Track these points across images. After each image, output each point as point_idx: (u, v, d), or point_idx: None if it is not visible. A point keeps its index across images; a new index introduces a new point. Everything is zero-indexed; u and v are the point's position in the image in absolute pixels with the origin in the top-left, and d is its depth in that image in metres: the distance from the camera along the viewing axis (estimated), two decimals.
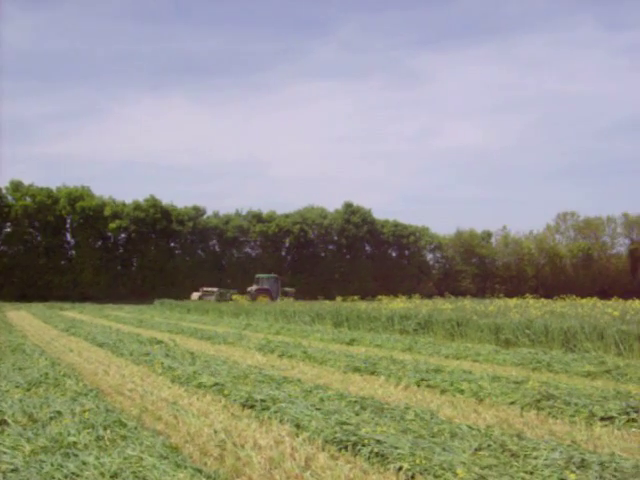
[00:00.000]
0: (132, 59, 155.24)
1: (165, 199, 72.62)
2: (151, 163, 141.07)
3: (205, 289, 54.42)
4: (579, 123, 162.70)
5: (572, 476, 5.64)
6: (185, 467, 6.00)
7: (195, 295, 52.76)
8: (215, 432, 7.67)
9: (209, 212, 75.36)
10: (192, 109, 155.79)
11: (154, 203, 70.21)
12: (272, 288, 53.72)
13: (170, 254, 71.08)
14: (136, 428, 7.58)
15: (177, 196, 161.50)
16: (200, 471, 5.95)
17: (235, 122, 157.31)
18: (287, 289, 55.67)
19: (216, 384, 10.86)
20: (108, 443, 6.93)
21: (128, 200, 70.74)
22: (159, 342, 18.53)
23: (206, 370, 12.48)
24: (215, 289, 53.70)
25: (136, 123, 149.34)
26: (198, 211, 73.56)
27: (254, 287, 53.33)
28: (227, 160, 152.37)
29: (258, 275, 57.30)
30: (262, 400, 9.27)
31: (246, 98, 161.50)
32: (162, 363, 13.61)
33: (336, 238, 79.25)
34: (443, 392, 10.58)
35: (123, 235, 70.26)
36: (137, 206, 69.33)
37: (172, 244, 72.68)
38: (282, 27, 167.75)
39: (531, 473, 5.87)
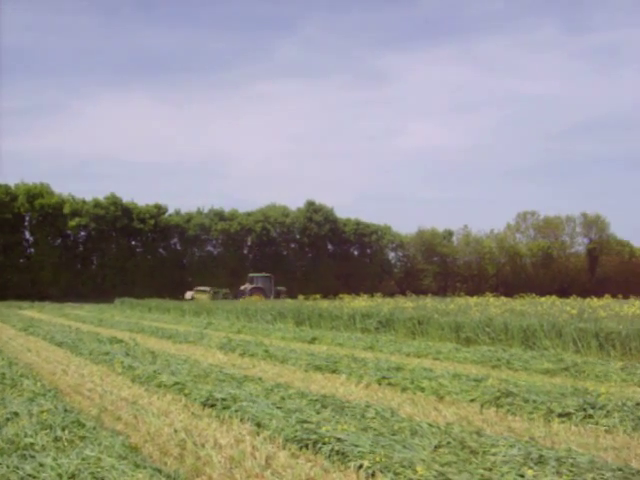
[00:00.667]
0: (93, 55, 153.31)
1: (126, 197, 72.00)
2: (112, 160, 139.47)
3: (198, 288, 54.37)
4: (539, 124, 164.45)
5: (530, 472, 5.71)
6: (145, 467, 5.96)
7: (189, 294, 52.61)
8: (175, 431, 7.63)
9: (171, 210, 74.86)
10: (154, 106, 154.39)
11: (115, 201, 69.49)
12: (265, 287, 54.08)
13: (131, 252, 70.47)
14: (95, 428, 7.50)
15: (138, 194, 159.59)
16: (160, 471, 5.91)
17: (197, 120, 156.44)
18: (279, 288, 55.92)
19: (177, 383, 10.79)
20: (66, 444, 6.84)
21: (88, 198, 70.02)
22: (119, 341, 18.37)
23: (167, 369, 12.40)
24: (208, 288, 53.61)
25: (97, 119, 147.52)
26: (159, 209, 72.94)
27: (247, 286, 53.54)
28: (189, 158, 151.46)
29: (251, 274, 57.52)
30: (223, 399, 9.24)
31: (208, 96, 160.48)
32: (122, 362, 13.49)
33: (298, 237, 79.24)
34: (404, 390, 10.63)
35: (83, 233, 69.46)
36: (97, 204, 68.55)
37: (133, 242, 72.05)
38: (245, 25, 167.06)
39: (490, 469, 5.92)
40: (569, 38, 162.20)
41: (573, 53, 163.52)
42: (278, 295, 51.32)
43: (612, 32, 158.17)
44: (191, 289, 55.78)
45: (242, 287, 53.76)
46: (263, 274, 57.54)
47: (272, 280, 55.90)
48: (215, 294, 50.94)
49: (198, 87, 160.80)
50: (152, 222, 70.64)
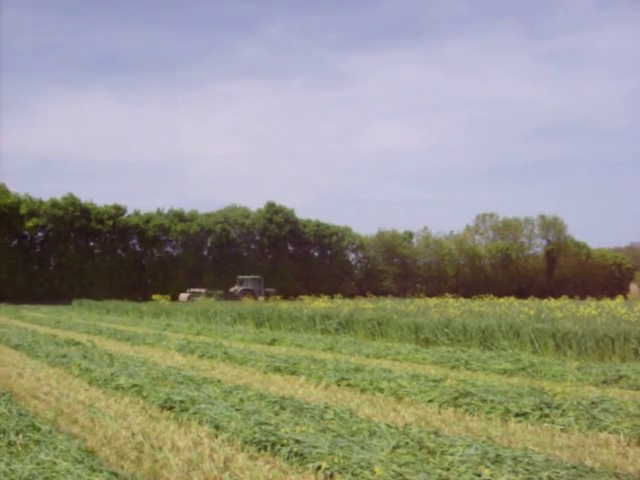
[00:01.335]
0: (51, 52, 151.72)
1: (84, 197, 71.11)
2: (70, 160, 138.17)
3: (192, 290, 54.08)
4: (500, 126, 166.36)
5: (486, 471, 5.77)
6: (101, 471, 5.90)
7: (183, 296, 52.25)
8: (133, 434, 7.56)
9: (130, 211, 74.08)
10: (114, 105, 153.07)
11: (73, 201, 68.56)
12: (255, 288, 54.42)
13: (89, 253, 69.59)
14: (50, 432, 7.40)
15: (97, 194, 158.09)
16: (116, 475, 5.86)
17: (158, 119, 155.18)
18: (268, 289, 55.99)
19: (134, 386, 10.71)
20: (20, 448, 6.75)
21: (45, 198, 69.02)
22: (77, 343, 18.14)
23: (124, 371, 12.29)
24: (203, 290, 53.37)
25: (55, 118, 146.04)
26: (118, 210, 72.15)
27: (237, 288, 53.53)
28: (149, 158, 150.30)
29: (241, 276, 57.59)
30: (181, 401, 9.18)
31: (169, 95, 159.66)
32: (79, 365, 13.34)
33: (258, 238, 78.98)
34: (363, 391, 10.67)
35: (40, 234, 68.38)
36: (55, 204, 67.57)
37: (91, 243, 71.14)
38: (208, 25, 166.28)
39: (447, 469, 5.97)
40: (530, 41, 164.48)
41: (534, 56, 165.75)
42: (267, 296, 51.30)
43: (572, 36, 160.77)
44: (184, 291, 55.57)
45: (232, 289, 53.97)
46: (252, 276, 57.96)
47: (261, 282, 56.14)
48: (209, 296, 50.74)
49: (159, 86, 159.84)
50: (111, 223, 69.83)
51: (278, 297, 45.28)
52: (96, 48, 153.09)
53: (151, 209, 75.57)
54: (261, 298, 48.92)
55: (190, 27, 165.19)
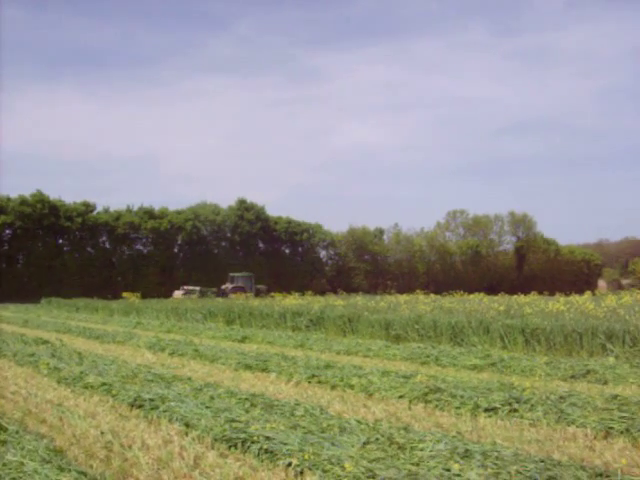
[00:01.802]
0: (20, 48, 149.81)
1: (53, 194, 70.52)
2: (38, 156, 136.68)
3: (186, 287, 53.76)
4: (469, 124, 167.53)
5: (456, 466, 5.80)
6: (69, 470, 5.85)
7: (177, 293, 51.87)
8: (102, 433, 7.51)
9: (99, 208, 73.51)
10: (83, 101, 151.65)
11: (41, 198, 67.89)
12: (246, 285, 54.36)
13: (58, 251, 68.95)
14: (18, 432, 7.33)
15: (65, 191, 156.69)
16: (85, 474, 5.82)
17: (127, 116, 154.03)
18: (259, 286, 56.04)
19: (104, 384, 10.63)
20: None
21: (13, 195, 68.25)
22: (45, 342, 17.97)
23: (94, 370, 12.20)
24: (197, 288, 53.12)
25: (23, 114, 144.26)
26: (88, 207, 71.56)
27: (229, 285, 53.37)
28: (118, 154, 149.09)
29: (232, 274, 57.42)
30: (151, 399, 9.14)
31: (139, 91, 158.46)
32: (48, 364, 13.21)
33: (229, 235, 78.83)
34: (333, 388, 10.69)
35: (8, 231, 67.58)
36: (23, 201, 66.86)
37: (60, 241, 70.52)
38: (178, 20, 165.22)
39: (417, 464, 6.00)
40: (499, 40, 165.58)
41: (503, 54, 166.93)
42: (258, 293, 51.14)
43: (541, 34, 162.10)
44: (178, 288, 55.27)
45: (223, 286, 53.89)
46: (244, 273, 58.01)
47: (252, 279, 56.19)
48: (203, 293, 50.53)
49: (129, 82, 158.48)
50: (80, 220, 69.25)
51: (272, 294, 45.07)
52: (65, 44, 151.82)
53: (121, 206, 75.19)
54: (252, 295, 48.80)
55: (161, 23, 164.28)
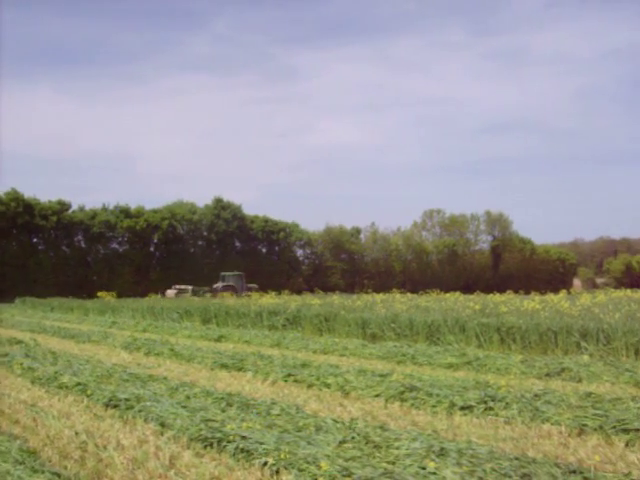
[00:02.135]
0: None
1: (27, 192, 69.77)
2: (13, 154, 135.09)
3: (178, 287, 53.46)
4: (447, 124, 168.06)
5: (431, 464, 5.83)
6: (43, 472, 5.82)
7: (170, 293, 51.55)
8: (76, 434, 7.45)
9: (74, 206, 72.88)
10: (58, 99, 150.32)
11: (15, 196, 67.17)
12: (237, 284, 53.99)
13: (33, 250, 68.28)
14: None
15: (40, 189, 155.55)
16: (59, 475, 5.78)
17: (103, 113, 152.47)
18: (250, 285, 55.69)
19: (79, 384, 10.57)
20: None
21: None
22: (19, 342, 17.83)
23: (68, 370, 12.13)
24: (190, 287, 52.80)
25: None
26: (63, 205, 70.92)
27: (220, 284, 53.21)
28: (94, 152, 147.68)
29: (223, 273, 57.25)
30: (126, 399, 9.10)
31: (116, 89, 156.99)
32: (21, 364, 13.10)
33: (206, 234, 78.48)
34: (310, 387, 10.69)
35: None
36: None
37: (35, 240, 69.84)
38: (154, 18, 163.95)
39: (393, 463, 6.02)
40: (478, 39, 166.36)
41: (482, 54, 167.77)
42: (250, 292, 50.97)
43: (519, 35, 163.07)
44: (170, 287, 54.99)
45: (215, 285, 53.76)
46: (235, 272, 57.78)
47: (243, 278, 56.10)
48: (195, 292, 50.29)
49: (105, 80, 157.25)
50: (55, 219, 68.64)
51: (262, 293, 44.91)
52: (40, 40, 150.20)
53: (96, 205, 74.62)
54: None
55: (137, 20, 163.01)
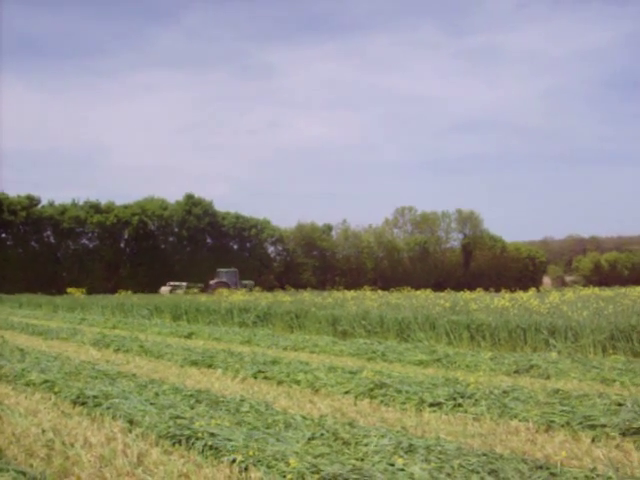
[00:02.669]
0: None
1: None
2: None
3: (172, 283, 53.19)
4: (418, 122, 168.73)
5: (400, 460, 5.84)
6: (7, 470, 5.74)
7: (165, 289, 51.26)
8: (43, 432, 7.37)
9: (44, 201, 72.23)
10: (27, 92, 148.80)
11: None
12: (230, 281, 54.22)
13: (1, 246, 67.51)
14: None
15: (9, 184, 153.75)
16: (24, 474, 5.71)
17: (75, 107, 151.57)
18: (245, 282, 55.52)
19: (46, 381, 10.47)
20: None
21: None
22: None
23: (36, 367, 12.00)
24: (184, 283, 52.67)
25: None
26: (32, 200, 70.23)
27: (215, 280, 53.10)
28: (64, 147, 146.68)
29: (219, 269, 57.79)
30: (94, 396, 9.02)
31: (87, 83, 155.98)
32: None
33: (177, 230, 78.06)
34: (280, 383, 10.69)
35: None
36: None
37: (3, 235, 69.12)
38: (126, 11, 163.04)
39: (362, 459, 6.02)
40: (450, 39, 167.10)
41: (454, 53, 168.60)
42: (244, 288, 50.75)
43: (490, 35, 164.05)
44: (165, 284, 54.78)
45: (211, 282, 53.73)
46: (229, 269, 58.18)
47: (237, 274, 56.31)
48: (189, 289, 50.06)
49: (77, 74, 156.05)
50: (24, 214, 67.93)
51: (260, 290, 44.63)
52: (11, 32, 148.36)
53: (66, 200, 73.92)
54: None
55: (110, 13, 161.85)
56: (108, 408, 8.39)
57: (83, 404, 8.89)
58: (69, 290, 46.37)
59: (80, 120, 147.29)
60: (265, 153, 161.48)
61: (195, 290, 48.84)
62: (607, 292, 25.33)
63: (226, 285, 51.83)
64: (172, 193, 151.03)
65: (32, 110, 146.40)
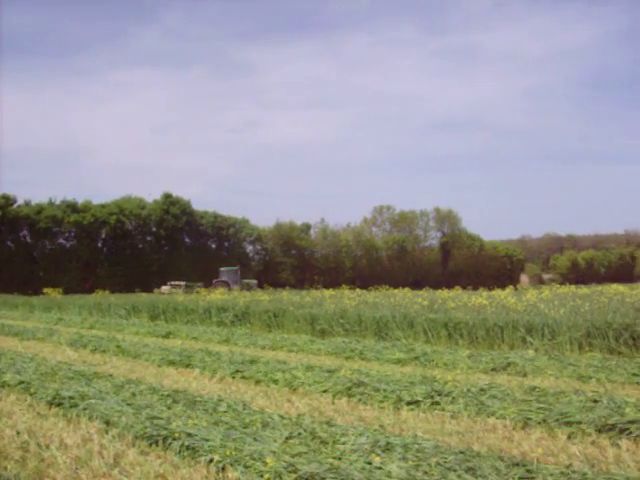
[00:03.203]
0: None
1: None
2: None
3: (173, 283, 52.93)
4: (397, 120, 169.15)
5: (377, 459, 5.85)
6: None
7: (165, 289, 50.91)
8: (18, 433, 7.31)
9: (20, 201, 71.59)
10: (3, 90, 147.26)
11: None
12: (230, 279, 53.63)
13: None
14: None
15: None
16: None
17: (52, 106, 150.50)
18: (248, 280, 55.34)
19: (22, 382, 10.39)
20: None
21: None
22: None
23: (12, 368, 11.91)
24: (183, 283, 52.38)
25: None
26: (8, 200, 69.59)
27: (216, 280, 53.52)
28: (41, 146, 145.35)
29: (221, 268, 57.52)
30: (71, 397, 8.96)
31: (64, 82, 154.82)
32: None
33: (155, 229, 77.67)
34: (258, 383, 10.68)
35: None
36: None
37: None
38: (105, 10, 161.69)
39: (339, 458, 6.02)
40: (428, 38, 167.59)
41: (432, 52, 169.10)
42: (249, 288, 50.34)
43: (468, 34, 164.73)
44: (165, 284, 54.45)
45: (214, 281, 53.46)
46: (231, 268, 57.84)
47: (239, 273, 55.90)
48: (188, 288, 49.76)
49: (54, 72, 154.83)
50: (0, 213, 67.37)
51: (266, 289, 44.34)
52: None
53: (43, 199, 73.34)
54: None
55: (86, 11, 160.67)
56: (84, 409, 8.33)
57: (59, 405, 8.82)
58: (46, 290, 45.99)
59: (58, 119, 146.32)
60: (244, 152, 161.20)
61: (195, 290, 48.72)
62: (584, 290, 25.47)
63: (226, 284, 51.70)
64: (150, 192, 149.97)
65: (9, 109, 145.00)
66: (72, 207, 72.46)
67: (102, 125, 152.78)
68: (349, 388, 9.56)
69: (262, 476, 5.60)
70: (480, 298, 19.51)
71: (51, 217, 70.26)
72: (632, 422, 6.89)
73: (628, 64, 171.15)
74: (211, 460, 6.05)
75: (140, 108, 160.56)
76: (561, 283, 37.92)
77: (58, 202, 73.26)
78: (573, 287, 29.50)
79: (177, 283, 53.31)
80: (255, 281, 56.70)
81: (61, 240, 72.88)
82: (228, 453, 6.08)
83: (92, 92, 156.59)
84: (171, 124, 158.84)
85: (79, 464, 6.22)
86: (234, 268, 57.27)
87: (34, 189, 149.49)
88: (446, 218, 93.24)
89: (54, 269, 67.15)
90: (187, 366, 12.59)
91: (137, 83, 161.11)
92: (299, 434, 6.81)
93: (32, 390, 9.80)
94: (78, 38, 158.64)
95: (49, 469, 6.13)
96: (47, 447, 6.76)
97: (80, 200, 74.18)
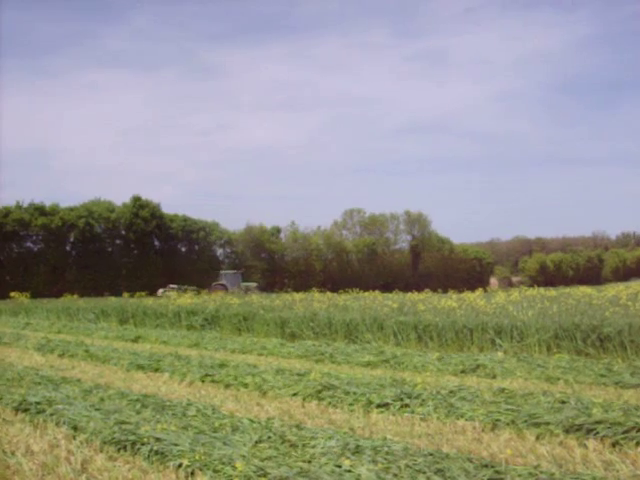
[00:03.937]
0: None
1: None
2: None
3: (172, 286, 52.87)
4: (368, 124, 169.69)
5: (347, 462, 5.85)
6: None
7: (161, 291, 50.38)
8: None
9: None
10: None
11: None
12: (228, 283, 53.67)
13: None
14: None
15: None
16: None
17: (18, 107, 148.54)
18: (247, 284, 54.99)
19: None
20: None
21: None
22: None
23: None
24: (175, 286, 52.34)
25: None
26: None
27: (215, 283, 53.85)
28: (8, 148, 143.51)
29: (222, 271, 58.24)
30: (37, 403, 8.85)
31: (31, 83, 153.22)
32: None
33: (124, 232, 77.07)
34: (227, 387, 10.64)
35: None
36: None
37: None
38: (73, 11, 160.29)
39: (309, 462, 6.01)
40: (400, 41, 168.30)
41: (404, 56, 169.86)
42: (247, 292, 49.91)
43: (440, 38, 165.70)
44: (163, 287, 53.99)
45: (213, 284, 53.19)
46: (231, 271, 58.41)
47: (238, 276, 56.23)
48: (183, 291, 49.35)
49: (21, 73, 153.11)
50: None
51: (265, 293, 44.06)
52: None
53: (10, 202, 72.55)
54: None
55: (53, 11, 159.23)
56: (51, 414, 8.24)
57: (25, 411, 8.72)
58: (12, 294, 45.40)
59: (25, 120, 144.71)
60: (213, 155, 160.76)
61: (191, 293, 48.49)
62: (552, 292, 25.74)
63: (223, 287, 51.53)
64: (119, 195, 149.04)
65: None
66: (40, 210, 71.68)
67: (71, 127, 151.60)
68: (319, 391, 9.55)
69: None
70: (450, 301, 19.61)
71: (18, 220, 69.43)
72: (599, 422, 6.95)
73: (598, 69, 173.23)
74: (180, 465, 6.01)
75: (110, 110, 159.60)
76: (530, 285, 38.26)
77: (26, 205, 72.45)
78: (542, 289, 29.71)
79: (173, 286, 53.21)
80: (255, 284, 56.56)
81: (28, 243, 72.05)
82: (197, 457, 6.04)
83: (60, 93, 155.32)
84: (140, 126, 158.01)
85: (45, 471, 6.15)
86: (237, 272, 57.17)
87: (1, 191, 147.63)
88: (416, 221, 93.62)
89: (21, 273, 66.37)
90: (156, 370, 12.51)
91: (107, 85, 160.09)
92: (269, 438, 6.79)
93: None
94: (47, 39, 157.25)
95: (14, 476, 6.06)
96: (13, 454, 6.68)
97: (48, 203, 73.46)
